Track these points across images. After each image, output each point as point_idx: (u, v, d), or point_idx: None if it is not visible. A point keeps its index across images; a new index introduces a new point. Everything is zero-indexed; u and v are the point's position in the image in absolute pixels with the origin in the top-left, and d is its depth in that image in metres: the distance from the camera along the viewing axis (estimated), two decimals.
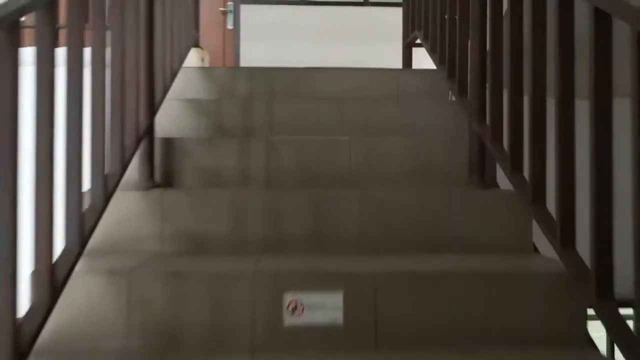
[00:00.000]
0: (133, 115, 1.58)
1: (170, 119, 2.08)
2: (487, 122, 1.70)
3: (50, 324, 1.02)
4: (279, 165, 1.86)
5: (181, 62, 2.20)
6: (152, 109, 1.77)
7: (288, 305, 1.28)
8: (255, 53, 4.77)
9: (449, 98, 2.44)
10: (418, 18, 2.60)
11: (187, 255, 1.59)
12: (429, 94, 2.46)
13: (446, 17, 2.19)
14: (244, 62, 4.77)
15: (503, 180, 1.68)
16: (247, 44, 4.77)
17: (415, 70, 2.55)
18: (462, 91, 1.93)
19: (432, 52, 2.34)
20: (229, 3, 4.81)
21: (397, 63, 4.98)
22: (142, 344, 1.26)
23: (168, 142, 1.87)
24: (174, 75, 2.08)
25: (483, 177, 1.76)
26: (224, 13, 4.82)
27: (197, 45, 2.57)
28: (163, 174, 1.84)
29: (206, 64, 2.57)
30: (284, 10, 4.80)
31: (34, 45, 1.02)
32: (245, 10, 4.79)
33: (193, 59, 2.49)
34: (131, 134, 1.57)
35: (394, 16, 4.96)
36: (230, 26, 4.80)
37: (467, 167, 1.82)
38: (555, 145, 1.28)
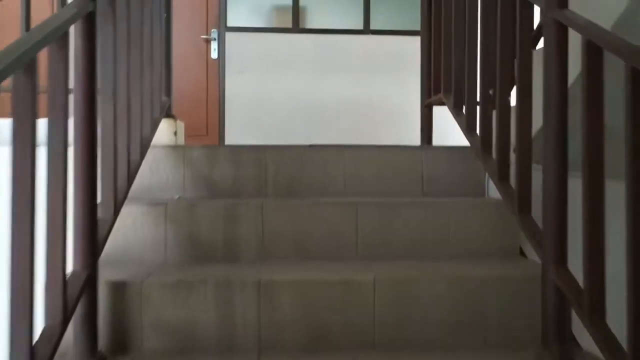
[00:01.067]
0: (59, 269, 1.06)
1: (125, 235, 1.55)
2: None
3: None
4: (275, 319, 1.34)
5: (144, 150, 1.66)
6: (93, 250, 1.23)
7: None
8: (242, 86, 4.23)
9: (486, 192, 1.94)
10: (447, 81, 2.09)
11: None
12: (461, 183, 1.95)
13: (491, 92, 1.69)
14: (230, 97, 4.22)
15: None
16: (233, 76, 4.23)
17: (440, 149, 2.04)
18: (523, 208, 1.42)
19: (468, 132, 1.83)
20: (212, 30, 4.26)
21: (401, 98, 4.48)
22: None
23: (119, 288, 1.34)
24: (133, 172, 1.55)
25: (564, 343, 1.25)
26: (207, 41, 4.27)
27: (169, 114, 2.03)
28: (111, 336, 1.31)
29: (180, 138, 2.03)
30: (275, 39, 4.27)
31: None
32: (231, 38, 4.25)
33: (163, 133, 1.96)
34: (57, 299, 1.05)
35: (397, 45, 4.46)
36: (214, 56, 4.26)
37: (536, 326, 1.32)
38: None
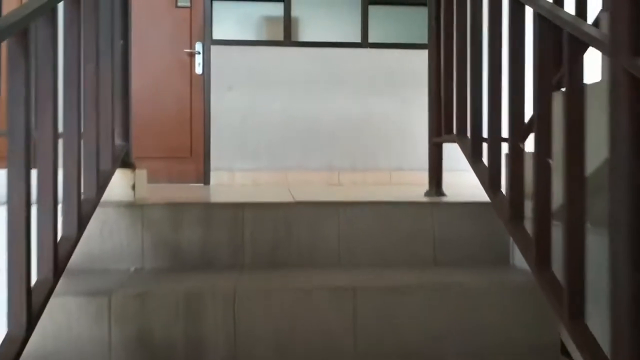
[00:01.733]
0: None
1: (57, 336, 1.20)
2: None
3: None
4: None
5: (84, 218, 1.31)
6: None
7: None
8: (229, 104, 3.88)
9: (510, 257, 1.59)
10: (461, 121, 1.74)
11: None
12: (480, 247, 1.60)
13: (523, 146, 1.35)
14: (216, 115, 3.87)
15: None
16: (219, 93, 3.88)
17: (454, 205, 1.69)
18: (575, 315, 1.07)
19: (490, 189, 1.48)
20: (197, 43, 3.91)
21: (403, 117, 4.13)
22: None
23: None
24: (65, 252, 1.19)
25: None
26: (191, 55, 3.92)
27: (126, 162, 1.67)
28: None
29: (141, 191, 1.68)
30: (265, 53, 3.92)
31: None
32: (218, 52, 3.89)
33: (117, 187, 1.60)
34: None
35: (399, 59, 4.12)
36: (198, 71, 3.90)
37: None
38: None
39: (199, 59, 3.90)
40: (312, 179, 3.89)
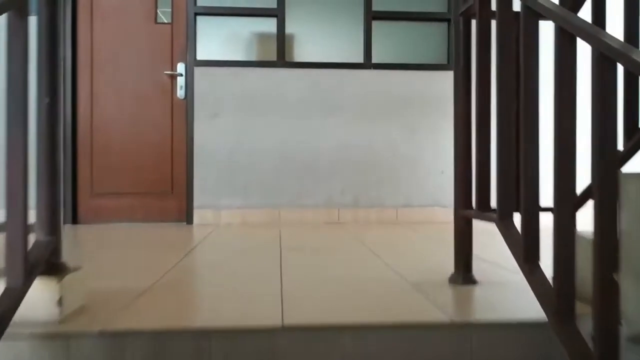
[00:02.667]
0: None
1: None
2: None
3: None
4: None
5: None
6: None
7: None
8: (215, 133, 3.44)
9: None
10: (505, 202, 1.30)
11: None
12: None
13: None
14: (200, 145, 3.43)
15: None
16: (204, 120, 3.44)
17: (497, 328, 1.24)
18: None
19: (545, 306, 1.04)
20: (179, 64, 3.47)
21: (411, 147, 3.67)
22: None
23: None
24: None
25: None
26: (172, 78, 3.48)
27: (54, 267, 1.22)
28: None
29: (75, 303, 1.23)
30: (256, 75, 3.48)
31: None
32: (202, 74, 3.45)
33: (38, 302, 1.16)
34: None
35: (406, 81, 3.66)
36: (180, 95, 3.46)
37: None
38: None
39: (181, 82, 3.45)
40: (308, 218, 3.45)
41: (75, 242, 2.62)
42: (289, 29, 3.54)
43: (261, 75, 3.47)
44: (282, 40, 3.50)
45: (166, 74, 3.46)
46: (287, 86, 3.48)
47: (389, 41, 3.63)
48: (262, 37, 3.55)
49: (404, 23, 3.63)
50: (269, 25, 3.53)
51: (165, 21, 3.50)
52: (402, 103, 3.55)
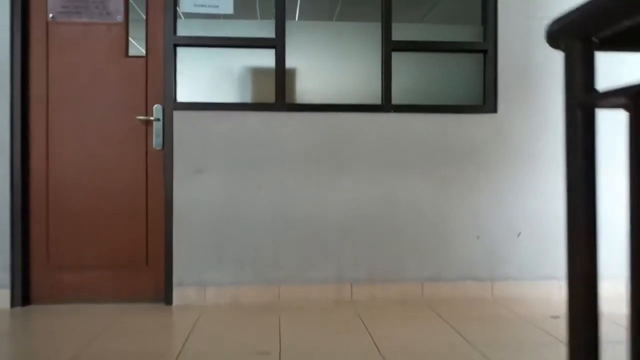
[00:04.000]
0: None
1: None
2: None
3: None
4: None
5: None
6: None
7: None
8: (200, 192, 2.79)
9: None
10: None
11: None
12: None
13: None
14: (182, 207, 2.78)
15: None
16: (186, 176, 2.79)
17: None
18: None
19: None
20: (155, 107, 2.82)
21: (440, 209, 3.02)
22: None
23: None
24: None
25: None
26: (147, 124, 2.83)
27: None
28: None
29: None
30: (250, 120, 2.83)
31: None
32: (184, 119, 2.81)
33: None
34: None
35: (432, 128, 3.00)
36: (157, 145, 2.81)
37: None
38: None
39: (157, 128, 2.81)
40: (314, 296, 2.82)
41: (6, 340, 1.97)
42: (290, 62, 2.89)
43: (257, 120, 2.83)
44: (282, 77, 2.85)
45: (139, 119, 2.81)
46: (288, 134, 2.84)
47: (412, 78, 2.98)
48: (257, 74, 2.90)
49: (429, 55, 2.99)
50: (266, 59, 2.88)
51: (139, 54, 2.85)
52: (429, 153, 2.91)
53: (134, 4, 2.88)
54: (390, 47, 2.91)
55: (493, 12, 2.96)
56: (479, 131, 2.93)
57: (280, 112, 2.84)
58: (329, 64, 2.94)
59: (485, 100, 2.97)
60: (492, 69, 2.95)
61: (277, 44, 2.85)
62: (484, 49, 2.96)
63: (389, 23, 2.90)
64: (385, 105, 2.89)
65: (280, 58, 2.85)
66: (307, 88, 2.92)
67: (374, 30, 2.94)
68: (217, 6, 2.82)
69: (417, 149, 2.90)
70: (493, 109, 2.95)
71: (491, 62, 2.96)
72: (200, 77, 2.86)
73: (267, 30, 2.88)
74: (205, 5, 2.82)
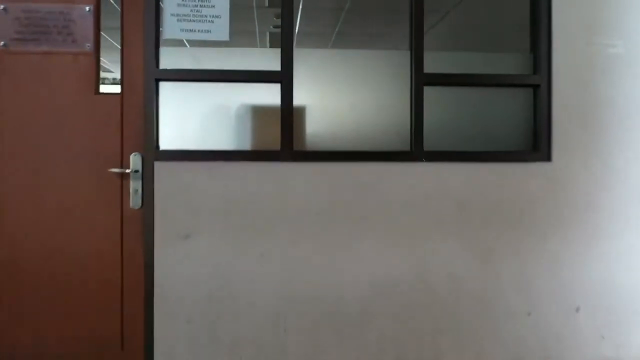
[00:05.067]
0: None
1: None
2: None
3: None
4: None
5: None
6: None
7: None
8: (187, 262, 2.26)
9: None
10: None
11: None
12: None
13: None
14: (164, 284, 2.25)
15: None
16: (170, 242, 2.26)
17: None
18: None
19: None
20: (132, 156, 2.28)
21: (485, 281, 2.48)
22: None
23: None
24: None
25: None
26: (123, 177, 2.29)
27: None
28: None
29: None
30: (251, 173, 2.29)
31: None
32: (168, 171, 2.27)
33: None
34: None
35: (474, 180, 2.44)
36: (135, 204, 2.28)
37: None
38: None
39: (135, 183, 2.27)
40: None
41: None
42: (298, 99, 2.35)
43: (258, 172, 2.29)
44: (288, 119, 2.32)
45: (113, 172, 2.27)
46: (295, 189, 2.30)
47: (447, 118, 2.45)
48: (259, 114, 2.37)
49: (468, 91, 2.46)
50: (270, 96, 2.35)
51: (112, 91, 2.32)
52: (468, 212, 2.38)
53: (105, 34, 2.35)
54: (421, 80, 2.37)
55: (546, 38, 2.43)
56: (528, 184, 2.40)
57: (287, 162, 2.30)
58: (345, 101, 2.40)
59: (536, 145, 2.43)
60: (545, 107, 2.42)
61: (284, 79, 2.31)
62: (535, 83, 2.43)
63: (420, 52, 2.37)
64: (415, 151, 2.36)
65: (286, 95, 2.31)
66: (318, 131, 2.39)
67: (400, 59, 2.41)
68: (209, 31, 2.29)
69: (454, 207, 2.37)
70: (546, 156, 2.41)
71: (544, 98, 2.42)
72: (188, 118, 2.32)
73: (270, 60, 2.34)
74: (195, 31, 2.28)
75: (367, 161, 2.33)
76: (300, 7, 3.20)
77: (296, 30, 2.51)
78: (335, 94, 2.41)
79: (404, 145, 2.39)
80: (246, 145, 2.35)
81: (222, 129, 2.34)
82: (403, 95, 2.40)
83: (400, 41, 2.48)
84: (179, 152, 2.27)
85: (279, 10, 2.40)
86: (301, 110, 2.37)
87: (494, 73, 2.44)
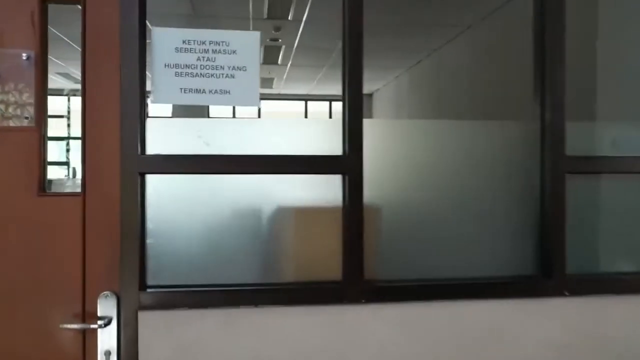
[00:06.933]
0: None
1: None
2: None
3: None
4: None
5: None
6: None
7: None
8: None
9: None
10: None
11: None
12: None
13: None
14: None
15: None
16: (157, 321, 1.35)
17: None
18: None
19: None
20: (101, 301, 1.37)
21: None
22: None
23: None
24: None
25: None
26: (83, 335, 1.38)
27: None
28: None
29: None
30: (293, 323, 1.40)
31: None
32: (160, 322, 1.36)
33: None
34: None
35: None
36: None
37: None
38: None
39: (106, 341, 1.36)
40: None
41: None
42: (369, 194, 1.47)
43: (302, 325, 1.40)
44: (357, 238, 1.43)
45: (69, 328, 1.36)
46: (370, 349, 1.41)
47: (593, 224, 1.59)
48: (300, 224, 1.48)
49: (619, 178, 1.60)
50: (316, 193, 1.46)
51: (61, 191, 1.42)
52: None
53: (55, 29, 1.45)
54: (562, 167, 1.51)
55: None
56: None
57: (354, 305, 1.41)
58: (435, 197, 1.53)
59: None
60: None
61: (349, 167, 1.43)
62: None
63: (561, 128, 1.50)
64: (557, 280, 1.48)
65: (354, 194, 1.42)
66: (401, 248, 1.50)
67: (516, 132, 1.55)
68: (227, 92, 1.40)
69: None
70: None
71: None
72: (190, 239, 1.43)
73: (329, 142, 1.46)
74: (204, 92, 1.39)
75: (477, 299, 1.46)
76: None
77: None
78: (421, 187, 1.53)
79: (533, 267, 1.52)
80: (276, 276, 1.46)
81: (239, 253, 1.45)
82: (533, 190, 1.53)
83: None
84: (178, 293, 1.37)
85: (278, 23, 1.63)
86: (373, 212, 1.49)
87: None
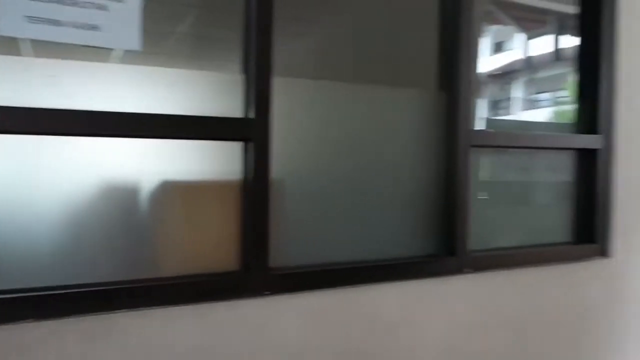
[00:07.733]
0: None
1: None
2: None
3: None
4: None
5: None
6: None
7: None
8: None
9: None
10: None
11: None
12: None
13: None
14: None
15: None
16: None
17: None
18: None
19: None
20: None
21: None
22: None
23: None
24: None
25: None
26: None
27: None
28: None
29: None
30: (184, 319, 1.13)
31: None
32: None
33: None
34: None
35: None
36: None
37: None
38: None
39: None
40: None
41: None
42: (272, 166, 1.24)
43: (192, 324, 1.14)
44: (263, 209, 1.20)
45: None
46: (274, 347, 1.21)
47: None
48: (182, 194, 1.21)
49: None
50: (207, 164, 1.20)
51: None
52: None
53: None
54: (468, 140, 1.46)
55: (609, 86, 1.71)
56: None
57: (256, 298, 1.19)
58: (342, 170, 1.37)
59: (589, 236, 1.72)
60: (605, 180, 1.71)
61: (254, 133, 1.18)
62: (592, 147, 1.70)
63: (471, 102, 1.44)
64: (461, 258, 1.44)
65: (260, 166, 1.19)
66: (306, 228, 1.31)
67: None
68: (96, 28, 1.05)
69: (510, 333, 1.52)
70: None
71: (603, 168, 1.71)
72: (21, 217, 1.06)
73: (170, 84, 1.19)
74: (63, 23, 1.02)
75: (389, 281, 1.34)
76: None
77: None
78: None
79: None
80: (161, 269, 1.17)
81: (110, 241, 1.12)
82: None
83: None
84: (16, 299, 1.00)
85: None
86: (278, 186, 1.27)
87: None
